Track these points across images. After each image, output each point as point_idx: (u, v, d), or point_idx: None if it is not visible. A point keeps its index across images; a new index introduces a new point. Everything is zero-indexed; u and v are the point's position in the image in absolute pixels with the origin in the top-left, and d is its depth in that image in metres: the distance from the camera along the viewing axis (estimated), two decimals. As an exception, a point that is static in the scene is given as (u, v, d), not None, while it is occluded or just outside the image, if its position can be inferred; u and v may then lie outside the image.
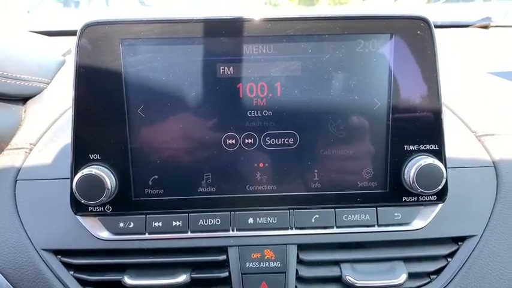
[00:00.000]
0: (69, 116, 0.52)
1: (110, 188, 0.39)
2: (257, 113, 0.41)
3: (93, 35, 0.39)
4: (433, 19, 0.41)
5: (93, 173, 0.39)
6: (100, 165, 0.40)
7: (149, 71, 0.40)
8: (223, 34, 0.40)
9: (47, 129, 0.50)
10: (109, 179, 0.39)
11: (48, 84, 0.59)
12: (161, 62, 0.40)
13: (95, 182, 0.39)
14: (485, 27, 1.02)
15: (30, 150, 0.48)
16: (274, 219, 0.43)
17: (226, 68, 0.40)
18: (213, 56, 0.40)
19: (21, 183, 0.45)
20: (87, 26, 0.39)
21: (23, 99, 0.55)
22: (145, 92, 0.40)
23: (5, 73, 0.50)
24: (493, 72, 0.65)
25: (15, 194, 0.45)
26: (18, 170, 0.46)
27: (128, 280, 0.41)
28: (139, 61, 0.40)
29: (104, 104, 0.40)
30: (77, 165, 0.40)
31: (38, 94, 0.56)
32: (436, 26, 0.41)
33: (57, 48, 0.74)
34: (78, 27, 0.39)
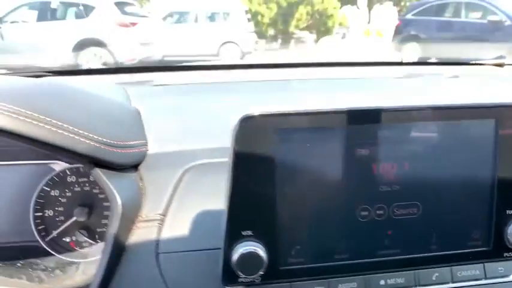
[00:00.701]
0: (188, 181, 0.56)
1: (266, 261, 0.44)
2: (387, 188, 0.47)
3: (250, 125, 0.43)
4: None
5: (252, 250, 0.43)
6: (252, 241, 0.44)
7: (297, 156, 0.45)
8: (364, 122, 0.45)
9: (170, 198, 0.53)
10: (263, 253, 0.44)
11: (147, 145, 0.61)
12: (308, 147, 0.45)
13: (253, 258, 0.43)
14: (500, 65, 1.13)
15: (162, 221, 0.51)
16: (402, 279, 0.48)
17: (363, 150, 0.46)
18: (352, 140, 0.45)
19: (164, 256, 0.48)
20: (247, 118, 0.43)
21: (134, 166, 0.57)
22: (293, 174, 0.45)
23: (116, 142, 0.52)
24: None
25: (160, 267, 0.48)
26: (157, 242, 0.49)
27: None
28: (290, 147, 0.44)
29: (257, 186, 0.44)
30: (230, 242, 0.44)
31: (144, 158, 0.59)
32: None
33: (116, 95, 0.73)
34: (236, 118, 0.43)
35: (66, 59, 5.71)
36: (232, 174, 0.44)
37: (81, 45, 5.88)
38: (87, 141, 0.48)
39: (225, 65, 0.99)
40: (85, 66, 5.82)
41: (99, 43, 5.92)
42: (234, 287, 0.46)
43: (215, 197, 0.52)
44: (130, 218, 0.50)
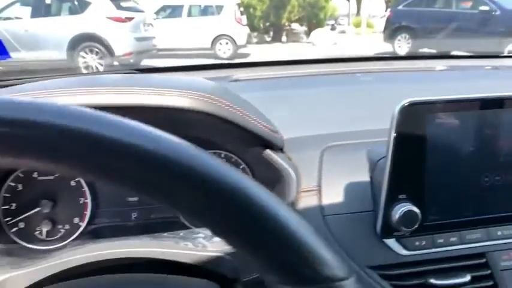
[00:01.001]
0: (327, 159, 0.67)
1: (420, 218, 0.56)
2: (504, 159, 0.60)
3: (408, 110, 0.55)
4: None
5: (411, 208, 0.55)
6: (407, 202, 0.56)
7: (442, 135, 0.57)
8: (489, 107, 0.57)
9: (319, 173, 0.64)
10: (418, 211, 0.56)
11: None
12: (450, 128, 0.57)
13: (411, 215, 0.55)
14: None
15: (319, 191, 0.62)
16: None
17: (488, 130, 0.58)
18: (481, 121, 0.58)
19: (329, 218, 0.60)
20: (406, 105, 0.54)
21: (281, 149, 0.68)
22: (439, 150, 0.57)
23: (274, 128, 0.63)
24: None
25: (328, 227, 0.59)
26: (321, 207, 0.60)
27: (433, 281, 0.57)
28: (437, 128, 0.56)
29: (412, 160, 0.56)
30: (389, 203, 0.56)
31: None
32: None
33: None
34: (397, 105, 0.54)
35: (62, 55, 5.67)
36: (392, 150, 0.55)
37: (77, 41, 5.83)
38: (263, 127, 0.59)
39: (296, 60, 1.11)
40: (82, 63, 5.80)
41: (94, 38, 5.88)
42: (389, 239, 0.58)
43: (355, 171, 0.64)
44: (297, 189, 0.61)
